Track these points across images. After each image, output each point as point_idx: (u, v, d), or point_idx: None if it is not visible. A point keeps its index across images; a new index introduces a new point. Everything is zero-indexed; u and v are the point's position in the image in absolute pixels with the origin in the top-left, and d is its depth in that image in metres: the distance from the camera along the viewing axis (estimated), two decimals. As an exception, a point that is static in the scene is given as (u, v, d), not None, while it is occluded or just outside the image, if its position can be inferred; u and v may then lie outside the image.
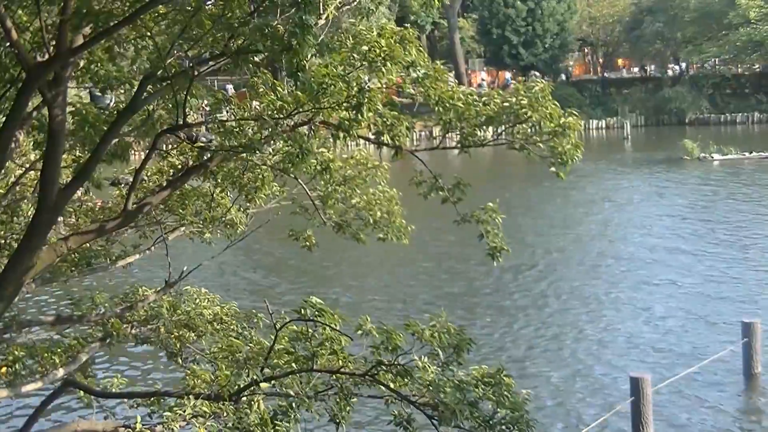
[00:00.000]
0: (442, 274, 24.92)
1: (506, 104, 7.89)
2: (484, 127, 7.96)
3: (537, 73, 63.70)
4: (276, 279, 25.43)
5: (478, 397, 7.31)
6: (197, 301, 10.18)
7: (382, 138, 7.65)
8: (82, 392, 10.09)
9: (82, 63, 7.65)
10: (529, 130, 8.03)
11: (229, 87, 53.04)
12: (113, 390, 10.55)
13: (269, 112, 7.39)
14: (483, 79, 73.35)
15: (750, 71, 72.29)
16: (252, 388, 7.78)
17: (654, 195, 37.11)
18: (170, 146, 9.41)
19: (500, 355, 17.35)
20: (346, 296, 22.76)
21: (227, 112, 8.27)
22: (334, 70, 7.16)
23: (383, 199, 10.11)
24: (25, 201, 10.07)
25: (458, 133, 8.06)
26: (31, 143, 9.06)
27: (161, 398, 9.23)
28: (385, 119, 7.53)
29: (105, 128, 7.46)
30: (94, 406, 11.08)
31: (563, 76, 74.68)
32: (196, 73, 6.95)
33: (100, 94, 8.45)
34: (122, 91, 8.30)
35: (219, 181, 9.10)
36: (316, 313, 7.48)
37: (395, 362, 7.46)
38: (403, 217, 10.17)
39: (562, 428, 14.43)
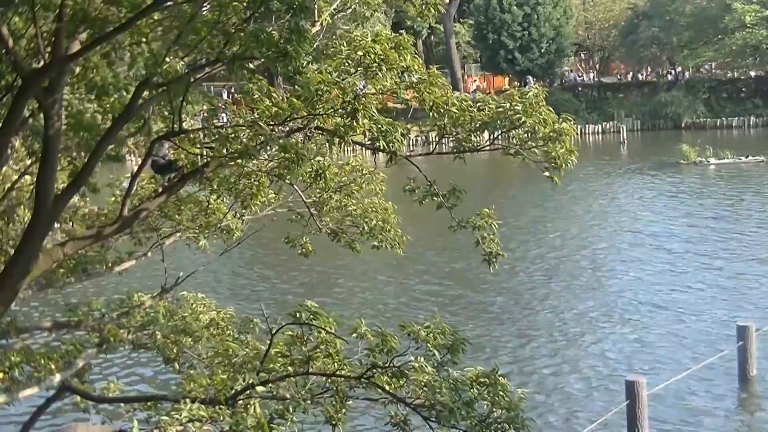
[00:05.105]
0: (435, 278, 24.94)
1: (500, 110, 7.93)
2: (479, 132, 7.99)
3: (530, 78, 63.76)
4: (271, 284, 25.45)
5: (474, 397, 7.35)
6: (193, 306, 10.22)
7: (377, 144, 7.68)
8: (79, 397, 10.11)
9: (77, 69, 7.68)
10: (524, 135, 8.06)
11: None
12: (110, 395, 10.57)
13: (264, 119, 7.42)
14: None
15: (746, 75, 72.31)
16: (248, 391, 7.81)
17: (650, 199, 37.14)
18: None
19: (495, 359, 17.35)
20: (341, 299, 22.76)
21: (224, 117, 8.31)
22: (329, 77, 7.20)
23: (379, 207, 10.14)
24: (21, 206, 10.09)
25: (453, 138, 8.09)
26: (26, 152, 9.10)
27: (158, 402, 9.28)
28: (380, 125, 7.56)
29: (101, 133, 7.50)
30: (91, 411, 11.10)
31: (559, 81, 74.78)
32: (192, 79, 6.99)
33: None
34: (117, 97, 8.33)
35: (215, 187, 9.14)
36: (311, 316, 7.52)
37: (390, 364, 7.50)
38: (399, 224, 10.19)
39: (558, 432, 14.47)
